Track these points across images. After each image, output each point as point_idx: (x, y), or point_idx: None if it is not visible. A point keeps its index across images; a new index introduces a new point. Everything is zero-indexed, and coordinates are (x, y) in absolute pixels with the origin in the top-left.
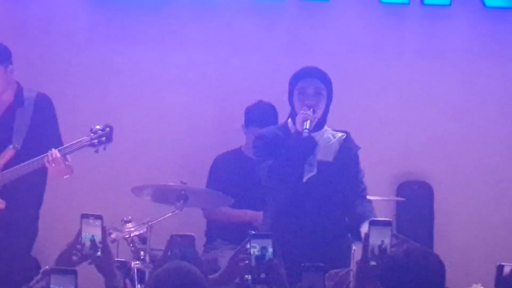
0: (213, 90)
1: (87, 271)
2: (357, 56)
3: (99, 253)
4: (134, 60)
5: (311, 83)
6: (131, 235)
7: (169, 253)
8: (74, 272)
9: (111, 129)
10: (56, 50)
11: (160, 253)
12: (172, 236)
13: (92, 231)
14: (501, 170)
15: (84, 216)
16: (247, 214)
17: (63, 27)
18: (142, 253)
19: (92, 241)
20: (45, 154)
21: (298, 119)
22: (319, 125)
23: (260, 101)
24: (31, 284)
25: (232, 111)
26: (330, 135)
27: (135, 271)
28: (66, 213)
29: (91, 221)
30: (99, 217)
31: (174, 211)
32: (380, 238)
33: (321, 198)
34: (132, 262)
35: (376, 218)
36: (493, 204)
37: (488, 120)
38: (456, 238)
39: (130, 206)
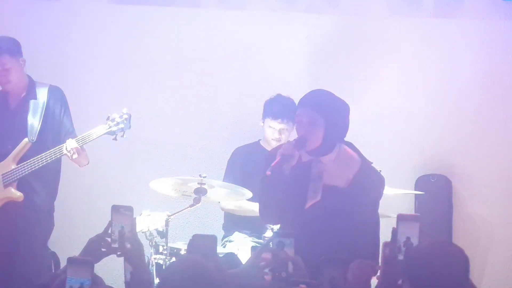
0: (232, 84)
1: (111, 262)
2: (373, 50)
3: (128, 245)
4: (152, 53)
5: (305, 113)
6: (150, 228)
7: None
8: (91, 262)
9: (129, 116)
10: (76, 44)
11: (175, 250)
12: (194, 236)
13: (122, 223)
14: None
15: (114, 207)
16: None
17: (81, 21)
18: (161, 247)
19: (122, 233)
20: (61, 145)
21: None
22: (325, 149)
23: (279, 95)
24: (58, 272)
25: (251, 104)
26: (341, 159)
27: (154, 264)
28: (83, 207)
29: (121, 212)
30: (129, 208)
31: (192, 205)
32: (408, 233)
33: (324, 226)
34: (151, 256)
35: (404, 213)
36: None
37: (506, 113)
38: (474, 231)
39: (148, 200)
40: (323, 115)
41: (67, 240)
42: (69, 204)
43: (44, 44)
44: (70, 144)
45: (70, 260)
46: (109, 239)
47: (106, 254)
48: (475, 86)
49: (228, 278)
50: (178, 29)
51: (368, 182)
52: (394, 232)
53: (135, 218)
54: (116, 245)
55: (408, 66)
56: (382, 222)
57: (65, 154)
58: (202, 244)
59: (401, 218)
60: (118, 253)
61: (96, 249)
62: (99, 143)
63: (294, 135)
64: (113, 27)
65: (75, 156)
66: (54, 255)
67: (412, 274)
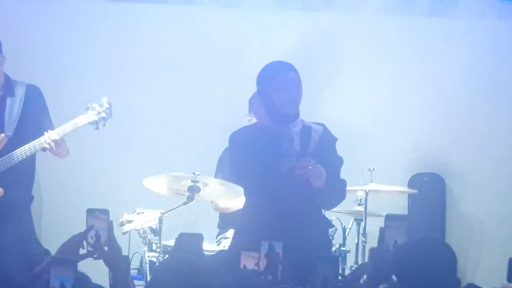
0: (225, 81)
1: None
2: (367, 48)
3: (106, 248)
4: (145, 50)
5: (291, 77)
6: (143, 226)
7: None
8: (74, 263)
9: (110, 105)
10: (68, 40)
11: (169, 248)
12: (180, 235)
13: (98, 226)
14: None
15: (90, 211)
16: None
17: (74, 17)
18: (154, 245)
19: (99, 235)
20: (40, 138)
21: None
22: (294, 116)
23: None
24: (35, 270)
25: (244, 102)
26: (306, 126)
27: (148, 262)
28: (76, 204)
29: (97, 215)
30: (105, 211)
31: (186, 203)
32: (396, 234)
33: (299, 187)
34: (145, 253)
35: (392, 214)
36: (505, 196)
37: (499, 112)
38: (468, 230)
39: (142, 198)
40: (300, 79)
41: (60, 237)
42: (63, 202)
43: (33, 40)
44: (51, 135)
45: (53, 260)
46: (85, 241)
47: (84, 257)
48: (469, 84)
49: (217, 277)
50: (172, 26)
51: (331, 147)
52: (382, 232)
53: (111, 220)
54: (94, 248)
55: (402, 64)
56: (375, 221)
57: (45, 147)
58: (188, 243)
59: (389, 218)
60: (95, 255)
61: (73, 251)
62: (92, 141)
63: None
64: (106, 23)
65: (56, 147)
66: (47, 253)
67: (399, 270)
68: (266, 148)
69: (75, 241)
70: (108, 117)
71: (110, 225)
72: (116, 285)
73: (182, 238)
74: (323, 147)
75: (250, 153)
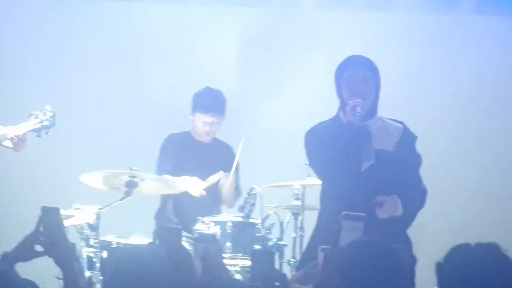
0: (163, 76)
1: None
2: (305, 44)
3: (58, 247)
4: (81, 46)
5: (358, 71)
6: (80, 222)
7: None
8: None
9: (54, 113)
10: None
11: (107, 244)
12: (159, 228)
13: (50, 224)
14: (480, 162)
15: (44, 209)
16: (186, 181)
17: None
18: (91, 240)
19: (51, 234)
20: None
21: (348, 108)
22: (370, 113)
23: (208, 88)
24: None
25: (182, 97)
26: (385, 124)
27: (85, 257)
28: (13, 201)
29: (49, 214)
30: (56, 210)
31: (123, 198)
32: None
33: (380, 187)
34: (82, 249)
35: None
36: (472, 196)
37: (468, 114)
38: (432, 229)
39: (79, 194)
40: (373, 73)
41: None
42: (4, 200)
43: None
44: (15, 131)
45: None
46: (41, 239)
47: (38, 255)
48: (407, 78)
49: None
50: (110, 21)
51: (412, 145)
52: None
53: (62, 219)
54: (47, 247)
55: (339, 59)
56: (312, 215)
57: (8, 142)
58: (167, 237)
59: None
60: (48, 254)
61: (30, 248)
62: (29, 137)
63: (224, 127)
64: (41, 19)
65: (19, 144)
66: None
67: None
68: (343, 147)
69: (30, 239)
70: (51, 126)
71: (61, 224)
72: (67, 285)
73: (161, 232)
74: (403, 146)
75: (330, 147)
